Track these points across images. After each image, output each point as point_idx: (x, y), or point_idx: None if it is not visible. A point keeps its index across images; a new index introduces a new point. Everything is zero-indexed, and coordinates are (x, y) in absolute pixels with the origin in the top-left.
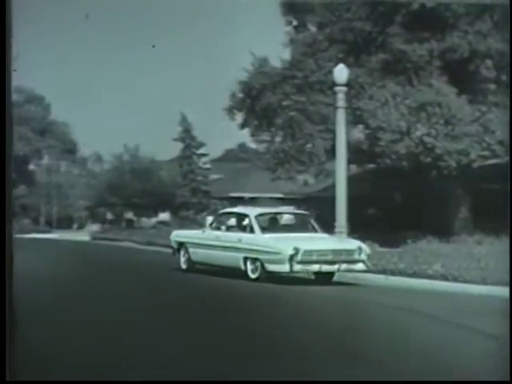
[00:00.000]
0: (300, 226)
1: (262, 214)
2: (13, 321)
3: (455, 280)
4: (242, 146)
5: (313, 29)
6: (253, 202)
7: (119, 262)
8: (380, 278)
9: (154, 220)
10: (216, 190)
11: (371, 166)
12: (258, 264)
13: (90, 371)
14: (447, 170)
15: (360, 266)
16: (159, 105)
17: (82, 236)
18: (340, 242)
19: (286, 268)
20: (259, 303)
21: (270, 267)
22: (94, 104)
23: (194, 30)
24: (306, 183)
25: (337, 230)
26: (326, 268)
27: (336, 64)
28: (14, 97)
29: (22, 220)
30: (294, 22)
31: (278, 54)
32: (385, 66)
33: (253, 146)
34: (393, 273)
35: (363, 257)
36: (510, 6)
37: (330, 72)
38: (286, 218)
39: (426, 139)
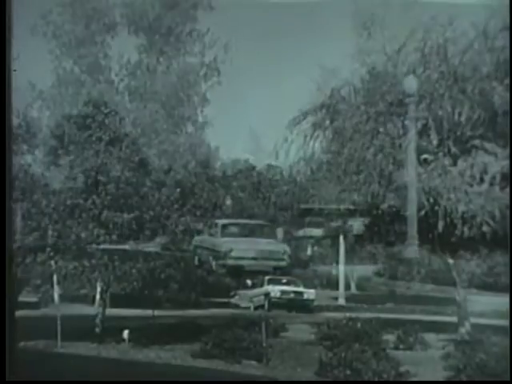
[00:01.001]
0: (260, 233)
1: (225, 224)
2: (12, 320)
3: None
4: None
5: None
6: (322, 213)
7: None
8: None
9: None
10: (285, 201)
11: None
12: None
13: None
14: None
15: (282, 263)
16: (228, 116)
17: (153, 247)
18: (270, 245)
19: (222, 262)
20: None
21: (219, 261)
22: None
23: (263, 42)
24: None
25: (408, 241)
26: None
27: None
28: (87, 109)
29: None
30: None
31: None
32: None
33: (322, 156)
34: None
35: (285, 256)
36: (510, 6)
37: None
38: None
39: None
